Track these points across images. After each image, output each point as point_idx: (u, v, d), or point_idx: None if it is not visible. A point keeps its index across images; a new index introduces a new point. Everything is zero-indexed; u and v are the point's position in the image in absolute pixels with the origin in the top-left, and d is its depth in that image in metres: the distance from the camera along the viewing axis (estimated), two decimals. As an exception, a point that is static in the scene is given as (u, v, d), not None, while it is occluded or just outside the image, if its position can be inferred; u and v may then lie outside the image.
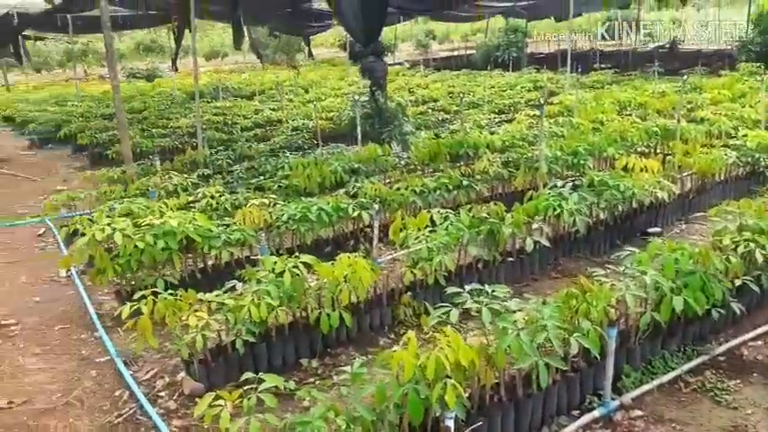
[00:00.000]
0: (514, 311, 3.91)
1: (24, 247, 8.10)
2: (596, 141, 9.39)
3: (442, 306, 4.01)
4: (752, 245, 4.95)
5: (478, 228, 5.99)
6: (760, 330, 4.88)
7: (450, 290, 4.35)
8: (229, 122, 15.27)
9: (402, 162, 10.05)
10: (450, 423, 3.21)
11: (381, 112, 11.49)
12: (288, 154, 10.84)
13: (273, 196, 7.66)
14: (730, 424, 3.82)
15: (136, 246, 5.69)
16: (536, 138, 10.29)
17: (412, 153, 10.43)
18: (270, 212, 6.78)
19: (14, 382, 4.79)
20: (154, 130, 14.33)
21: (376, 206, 6.84)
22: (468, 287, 4.17)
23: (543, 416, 3.89)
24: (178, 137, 13.78)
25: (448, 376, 3.36)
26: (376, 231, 6.59)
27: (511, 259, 6.22)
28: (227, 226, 6.38)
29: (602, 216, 6.98)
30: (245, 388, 3.32)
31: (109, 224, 5.89)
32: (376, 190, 7.62)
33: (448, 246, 5.70)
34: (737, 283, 4.82)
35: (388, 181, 9.07)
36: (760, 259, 4.89)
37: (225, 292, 4.75)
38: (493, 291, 4.09)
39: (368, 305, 5.33)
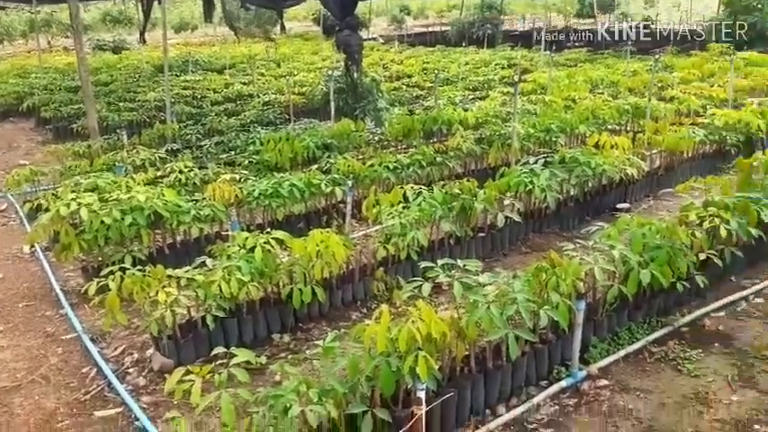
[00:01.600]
0: (485, 285, 3.95)
1: (-14, 223, 7.87)
2: (568, 119, 9.46)
3: (414, 280, 4.02)
4: (717, 220, 5.06)
5: (451, 204, 6.01)
6: (722, 302, 5.02)
7: (423, 264, 4.38)
8: (199, 96, 14.98)
9: (375, 138, 10.01)
10: (422, 394, 3.23)
11: (355, 88, 11.38)
12: (259, 129, 10.69)
13: (244, 171, 7.57)
14: (691, 392, 3.94)
15: (102, 221, 5.57)
16: (509, 115, 10.33)
17: (386, 129, 10.39)
18: (240, 188, 6.69)
19: (-22, 359, 4.68)
20: (121, 104, 13.98)
21: (349, 182, 6.82)
22: (440, 261, 4.20)
23: (512, 386, 3.95)
24: (146, 111, 13.47)
25: (419, 348, 3.37)
26: (349, 207, 6.59)
27: (482, 235, 6.26)
28: (197, 201, 6.28)
29: (572, 192, 7.05)
30: (216, 363, 3.29)
31: (74, 199, 5.76)
32: (349, 166, 7.58)
33: (421, 221, 5.72)
34: (702, 257, 4.93)
35: (361, 157, 9.01)
36: (724, 234, 5.00)
37: (194, 268, 4.69)
38: (464, 265, 4.12)
39: (340, 280, 5.32)
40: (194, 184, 7.33)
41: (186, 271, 4.64)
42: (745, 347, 4.42)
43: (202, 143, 10.22)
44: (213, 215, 6.11)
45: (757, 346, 4.42)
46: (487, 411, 3.83)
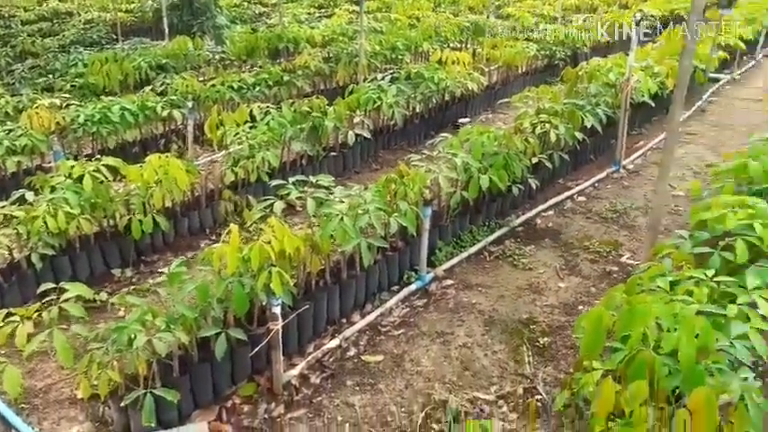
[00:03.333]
0: (338, 199, 3.95)
1: None
2: (413, 36, 9.55)
3: (266, 199, 3.91)
4: (547, 126, 5.46)
5: (302, 123, 5.86)
6: (551, 202, 5.51)
7: (275, 182, 4.27)
8: (6, 15, 12.96)
9: (217, 57, 9.38)
10: (277, 310, 3.21)
11: (191, 3, 10.46)
12: (81, 50, 9.52)
13: (66, 96, 6.74)
14: (526, 283, 4.33)
15: None
16: (356, 33, 10.17)
17: (227, 48, 9.77)
18: (63, 115, 5.96)
19: None
20: None
21: (189, 103, 6.38)
22: (292, 179, 4.11)
23: (367, 294, 4.07)
24: (-64, 31, 11.43)
25: (273, 265, 3.32)
26: (190, 129, 6.19)
27: (334, 154, 6.23)
28: (10, 131, 5.52)
29: (417, 109, 7.21)
30: (45, 300, 2.99)
31: None
32: (188, 86, 7.05)
33: (271, 142, 5.53)
34: (534, 161, 5.33)
35: (202, 78, 8.42)
36: (553, 139, 5.43)
37: (12, 204, 4.16)
38: (317, 180, 4.07)
39: (185, 208, 5.04)
40: (6, 113, 6.41)
41: (2, 207, 4.11)
42: (570, 240, 4.92)
43: (13, 67, 8.92)
44: (32, 146, 5.41)
45: (580, 239, 4.94)
46: (344, 320, 3.92)
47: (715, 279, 2.96)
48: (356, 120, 6.37)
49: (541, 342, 3.68)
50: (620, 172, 6.20)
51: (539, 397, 3.22)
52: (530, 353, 3.59)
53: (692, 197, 4.43)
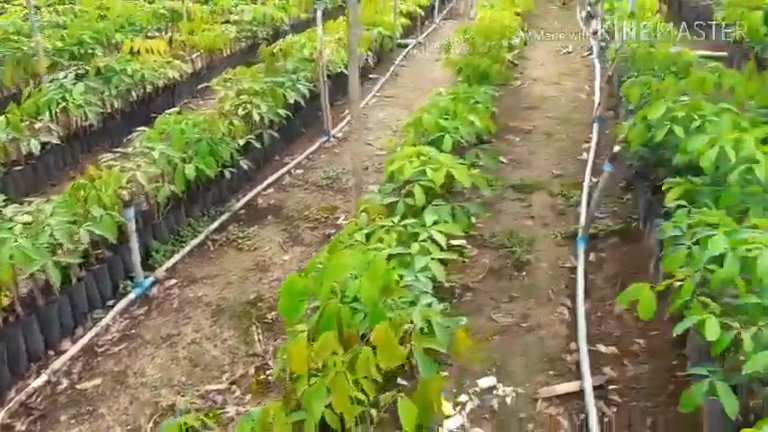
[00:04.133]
0: (12, 219, 3.44)
1: None
2: (102, 28, 8.73)
3: None
4: (249, 106, 5.46)
5: (-37, 140, 4.96)
6: (270, 180, 5.57)
7: None
8: None
9: None
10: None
11: None
12: None
13: None
14: (252, 264, 4.33)
15: None
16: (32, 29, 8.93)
17: None
18: None
19: None
20: None
21: None
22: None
23: (75, 316, 3.65)
24: None
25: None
26: None
27: (19, 168, 5.42)
28: None
29: (116, 105, 6.63)
30: None
31: None
32: None
33: None
34: (242, 142, 5.30)
35: None
36: (257, 118, 5.46)
37: None
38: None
39: None
40: None
41: None
42: (291, 213, 5.05)
43: None
44: None
45: (300, 210, 5.10)
46: (51, 351, 3.47)
47: (402, 223, 3.31)
48: (38, 125, 5.61)
49: (269, 317, 3.72)
50: (331, 141, 6.52)
51: (269, 372, 3.26)
52: (259, 331, 3.61)
53: (389, 153, 4.88)
